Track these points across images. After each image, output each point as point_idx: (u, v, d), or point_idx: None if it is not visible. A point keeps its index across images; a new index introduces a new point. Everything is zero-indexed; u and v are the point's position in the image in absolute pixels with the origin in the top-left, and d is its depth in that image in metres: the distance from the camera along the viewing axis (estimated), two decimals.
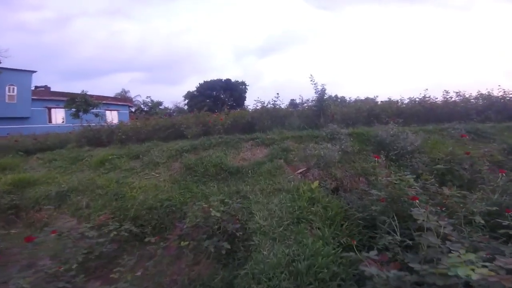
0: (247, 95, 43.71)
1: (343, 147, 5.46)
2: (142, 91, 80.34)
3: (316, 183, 3.91)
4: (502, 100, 9.10)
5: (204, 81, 44.14)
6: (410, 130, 6.89)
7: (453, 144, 6.54)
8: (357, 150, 5.70)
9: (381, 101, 9.17)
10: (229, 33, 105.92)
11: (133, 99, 42.84)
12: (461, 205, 2.96)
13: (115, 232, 4.29)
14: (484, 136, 7.08)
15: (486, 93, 9.46)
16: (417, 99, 9.37)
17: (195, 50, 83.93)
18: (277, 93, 8.00)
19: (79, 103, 21.32)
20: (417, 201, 2.75)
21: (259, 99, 8.23)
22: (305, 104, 8.57)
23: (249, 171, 5.01)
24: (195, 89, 43.88)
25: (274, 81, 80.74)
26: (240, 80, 44.16)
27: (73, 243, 4.14)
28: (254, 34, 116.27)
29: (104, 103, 32.56)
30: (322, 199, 3.92)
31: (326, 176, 4.95)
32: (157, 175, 5.90)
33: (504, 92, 9.26)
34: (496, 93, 9.34)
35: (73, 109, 22.08)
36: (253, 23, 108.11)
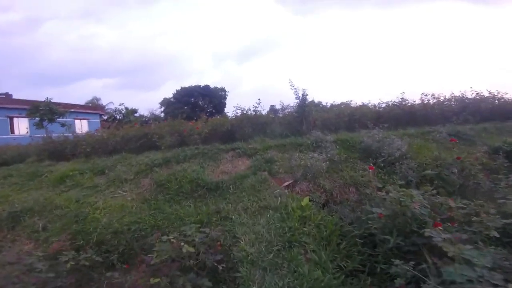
0: (227, 101, 43.08)
1: (329, 155, 5.10)
2: (116, 98, 76.76)
3: (306, 200, 3.48)
4: (475, 102, 9.36)
5: (181, 87, 42.90)
6: (394, 134, 6.74)
7: (438, 148, 6.45)
8: (343, 158, 5.38)
9: (360, 105, 9.06)
10: (208, 38, 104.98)
11: (105, 107, 40.67)
12: (473, 218, 2.66)
13: (72, 262, 3.58)
14: (465, 139, 7.09)
15: (460, 95, 9.70)
16: (395, 103, 9.39)
17: (172, 54, 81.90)
18: (259, 99, 7.57)
19: (43, 112, 19.58)
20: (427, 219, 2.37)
21: (238, 105, 7.75)
22: (286, 110, 8.23)
23: (231, 186, 4.48)
24: (171, 95, 42.55)
25: (254, 87, 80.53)
26: (219, 86, 43.44)
27: (19, 277, 3.36)
28: (232, 39, 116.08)
29: (72, 111, 30.59)
30: (314, 217, 3.48)
31: (315, 188, 4.55)
32: (124, 193, 5.19)
33: (477, 93, 9.55)
34: (469, 95, 9.62)
35: (37, 118, 20.26)
36: (231, 28, 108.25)
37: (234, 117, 7.89)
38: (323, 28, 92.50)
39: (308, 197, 3.52)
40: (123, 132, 9.58)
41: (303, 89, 7.03)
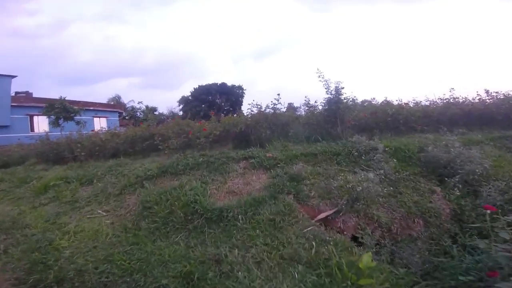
0: (244, 99, 41.85)
1: (383, 171, 3.56)
2: (140, 97, 78.40)
3: (368, 258, 1.99)
4: None
5: (198, 86, 42.20)
6: (458, 140, 5.06)
7: None
8: (404, 176, 3.81)
9: (405, 103, 7.33)
10: (226, 37, 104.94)
11: (126, 105, 40.89)
12: None
13: None
14: None
15: None
16: (450, 100, 7.57)
17: (192, 54, 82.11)
18: (278, 94, 6.12)
19: (58, 110, 19.35)
20: None
21: (254, 102, 6.36)
22: (311, 108, 6.69)
23: (239, 217, 3.07)
24: (189, 93, 42.00)
25: (271, 85, 78.99)
26: (236, 84, 42.30)
27: None
28: (250, 38, 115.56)
29: (91, 110, 30.76)
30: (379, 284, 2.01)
31: (365, 221, 3.05)
32: (104, 214, 3.97)
33: None
34: None
35: (52, 117, 20.09)
36: (249, 27, 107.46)
37: (249, 115, 6.50)
38: (340, 25, 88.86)
39: (369, 253, 2.04)
40: (128, 133, 8.56)
41: (337, 82, 5.49)
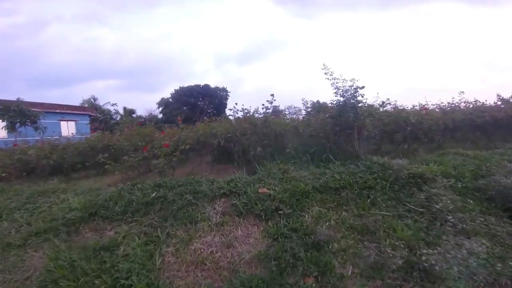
0: (228, 102, 40.04)
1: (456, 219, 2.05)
2: (120, 99, 74.35)
3: None
4: None
5: (180, 87, 40.01)
6: None
7: None
8: (473, 216, 2.32)
9: (425, 108, 6.01)
10: (209, 40, 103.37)
11: (102, 107, 37.79)
12: None
13: None
14: None
15: None
16: (482, 106, 6.35)
17: (175, 56, 79.78)
18: (272, 95, 4.55)
19: (13, 114, 16.66)
20: None
21: (236, 108, 4.78)
22: (318, 112, 5.17)
23: None
24: (169, 96, 39.68)
25: (255, 88, 78.13)
26: (220, 86, 40.45)
27: None
28: (234, 41, 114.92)
29: (58, 113, 27.81)
30: None
31: None
32: None
33: None
34: None
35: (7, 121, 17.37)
36: (232, 30, 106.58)
37: (233, 122, 4.88)
38: (322, 30, 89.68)
39: None
40: (79, 145, 6.75)
41: (353, 80, 3.99)
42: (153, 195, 2.89)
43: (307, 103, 5.73)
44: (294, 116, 7.11)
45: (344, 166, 3.52)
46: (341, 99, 4.16)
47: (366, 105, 4.23)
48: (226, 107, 38.98)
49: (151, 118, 36.87)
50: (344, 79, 4.06)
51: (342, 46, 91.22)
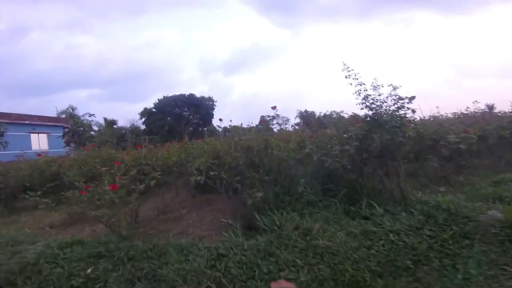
0: (215, 112, 38.58)
1: None
2: (101, 109, 71.85)
3: None
4: None
5: (164, 96, 38.24)
6: None
7: None
8: None
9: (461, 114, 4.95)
10: (195, 48, 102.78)
11: (81, 118, 35.39)
12: None
13: None
14: None
15: None
16: None
17: (160, 65, 78.13)
18: (274, 107, 3.29)
19: None
20: None
21: (220, 127, 3.50)
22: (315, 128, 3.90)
23: None
24: (153, 105, 37.84)
25: (242, 97, 77.51)
26: (206, 96, 39.00)
27: None
28: (220, 50, 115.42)
29: (27, 124, 25.39)
30: None
31: None
32: None
33: None
34: None
35: None
36: (219, 39, 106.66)
37: (219, 147, 3.55)
38: (305, 40, 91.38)
39: None
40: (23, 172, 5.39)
41: (392, 86, 2.80)
42: (88, 271, 1.54)
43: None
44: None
45: (392, 216, 2.27)
46: (370, 112, 2.96)
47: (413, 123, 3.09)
48: (213, 117, 37.55)
49: (133, 130, 34.90)
50: (377, 84, 2.87)
51: (326, 56, 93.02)
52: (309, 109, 44.97)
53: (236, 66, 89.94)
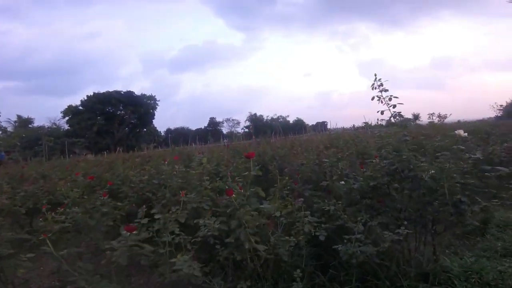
0: (157, 111, 34.97)
1: None
2: (20, 104, 59.77)
3: None
4: None
5: (94, 93, 33.07)
6: None
7: None
8: None
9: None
10: (141, 41, 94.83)
11: None
12: None
13: None
14: None
15: None
16: None
17: (98, 57, 69.40)
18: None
19: None
20: None
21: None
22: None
23: None
24: (80, 102, 32.42)
25: (191, 97, 73.81)
26: (147, 94, 35.01)
27: None
28: (169, 47, 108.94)
29: None
30: None
31: None
32: None
33: None
34: None
35: None
36: (169, 35, 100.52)
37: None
38: (260, 44, 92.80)
39: None
40: None
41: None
42: None
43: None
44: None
45: None
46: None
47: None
48: (154, 117, 33.92)
49: (52, 131, 29.19)
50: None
51: (278, 61, 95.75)
52: (259, 113, 44.57)
53: (185, 64, 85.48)
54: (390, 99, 1.85)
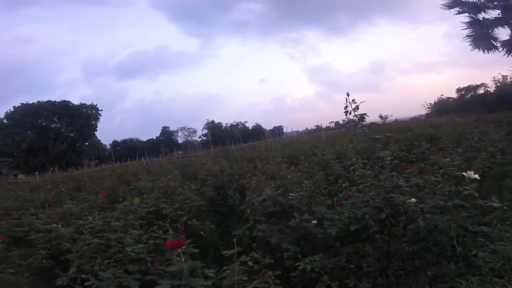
0: (100, 122, 31.53)
1: None
2: None
3: None
4: None
5: (21, 104, 28.59)
6: None
7: None
8: None
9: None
10: (84, 49, 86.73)
11: None
12: None
13: None
14: None
15: None
16: None
17: (31, 63, 61.14)
18: None
19: None
20: None
21: None
22: None
23: None
24: (4, 115, 27.67)
25: (139, 105, 69.32)
26: (88, 103, 31.37)
27: None
28: (115, 53, 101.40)
29: None
30: None
31: None
32: None
33: None
34: None
35: None
36: (116, 41, 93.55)
37: None
38: (216, 51, 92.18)
39: None
40: None
41: None
42: None
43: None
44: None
45: None
46: None
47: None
48: (96, 129, 30.42)
49: None
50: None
51: (234, 67, 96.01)
52: (217, 120, 43.20)
53: (133, 71, 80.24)
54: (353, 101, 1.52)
